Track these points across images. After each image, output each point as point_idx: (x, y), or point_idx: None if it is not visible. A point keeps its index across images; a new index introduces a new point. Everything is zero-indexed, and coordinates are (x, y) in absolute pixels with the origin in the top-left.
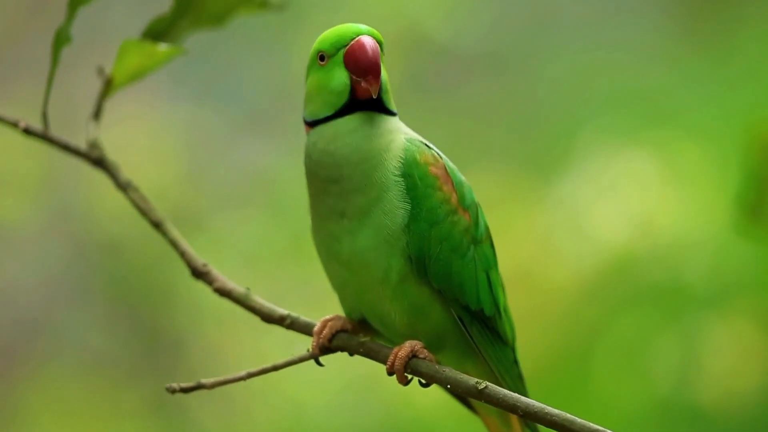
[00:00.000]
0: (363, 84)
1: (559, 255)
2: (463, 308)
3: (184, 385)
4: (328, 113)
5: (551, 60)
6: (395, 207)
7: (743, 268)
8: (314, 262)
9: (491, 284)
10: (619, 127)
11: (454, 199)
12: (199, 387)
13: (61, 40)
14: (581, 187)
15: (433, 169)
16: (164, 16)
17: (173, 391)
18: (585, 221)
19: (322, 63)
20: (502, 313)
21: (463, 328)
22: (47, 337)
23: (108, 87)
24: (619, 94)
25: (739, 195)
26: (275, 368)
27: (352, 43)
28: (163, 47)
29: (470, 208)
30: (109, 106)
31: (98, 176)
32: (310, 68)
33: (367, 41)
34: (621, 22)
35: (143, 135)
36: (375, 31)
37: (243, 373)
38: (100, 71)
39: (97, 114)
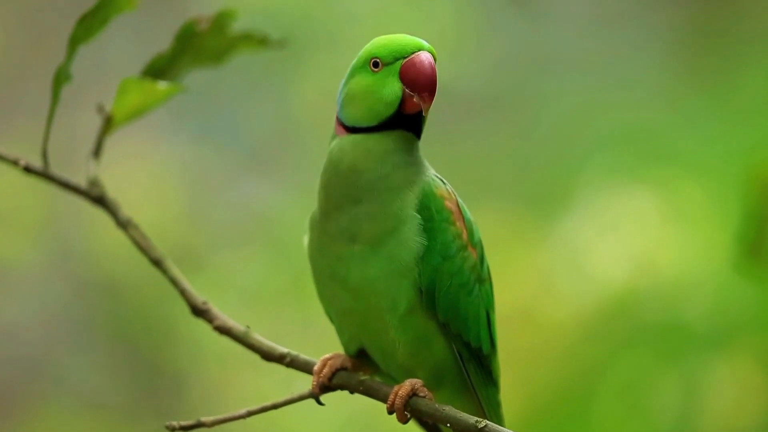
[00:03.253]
0: (415, 99)
1: (560, 293)
2: (464, 344)
3: (183, 423)
4: (372, 123)
5: (552, 99)
6: (411, 240)
7: (744, 307)
8: (314, 302)
9: (490, 324)
10: (620, 165)
11: (465, 235)
12: (198, 425)
13: (61, 78)
14: (582, 225)
15: (448, 204)
16: (164, 54)
17: (173, 429)
18: (586, 260)
19: (375, 69)
20: (497, 354)
21: (461, 365)
22: (47, 376)
23: (108, 125)
24: (620, 133)
25: (740, 234)
26: (275, 406)
27: (413, 56)
28: (162, 85)
29: (477, 246)
30: (109, 144)
31: (98, 216)
32: (357, 70)
33: (429, 57)
34: (622, 61)
35: (143, 174)
36: (432, 48)
37: (243, 411)
38: (100, 109)
39: (97, 152)
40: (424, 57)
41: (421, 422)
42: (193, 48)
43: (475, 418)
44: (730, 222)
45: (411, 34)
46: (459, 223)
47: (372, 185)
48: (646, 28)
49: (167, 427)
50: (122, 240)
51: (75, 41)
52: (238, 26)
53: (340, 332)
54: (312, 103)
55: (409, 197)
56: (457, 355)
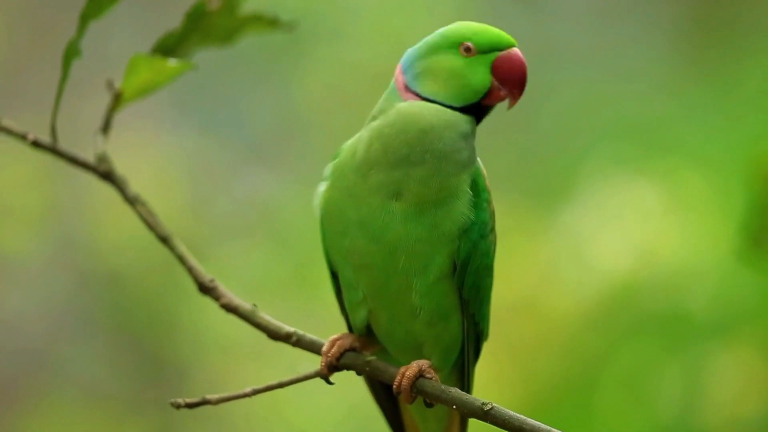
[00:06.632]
0: (503, 93)
1: (563, 284)
2: (474, 325)
3: (189, 400)
4: (454, 104)
5: (554, 91)
6: (461, 214)
7: (746, 297)
8: (317, 293)
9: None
10: (623, 156)
11: (493, 219)
12: (204, 402)
13: (71, 53)
14: (584, 216)
15: (488, 185)
16: (173, 32)
17: (178, 407)
18: (588, 250)
19: (467, 54)
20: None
21: (466, 344)
22: (50, 367)
23: (117, 101)
24: (623, 124)
25: (743, 224)
26: (281, 385)
27: (510, 51)
28: (172, 62)
29: (496, 233)
30: (112, 135)
31: (101, 207)
32: (441, 48)
33: (521, 55)
34: (624, 53)
35: (147, 165)
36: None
37: (248, 389)
38: (110, 85)
39: (105, 128)
40: (519, 54)
41: (386, 415)
42: (203, 27)
43: (482, 401)
44: (732, 212)
45: (413, 28)
46: (492, 206)
47: (439, 154)
48: (648, 20)
49: (173, 404)
50: (125, 231)
51: (86, 16)
52: (246, 9)
53: (352, 290)
54: (315, 96)
55: (465, 174)
56: (465, 334)
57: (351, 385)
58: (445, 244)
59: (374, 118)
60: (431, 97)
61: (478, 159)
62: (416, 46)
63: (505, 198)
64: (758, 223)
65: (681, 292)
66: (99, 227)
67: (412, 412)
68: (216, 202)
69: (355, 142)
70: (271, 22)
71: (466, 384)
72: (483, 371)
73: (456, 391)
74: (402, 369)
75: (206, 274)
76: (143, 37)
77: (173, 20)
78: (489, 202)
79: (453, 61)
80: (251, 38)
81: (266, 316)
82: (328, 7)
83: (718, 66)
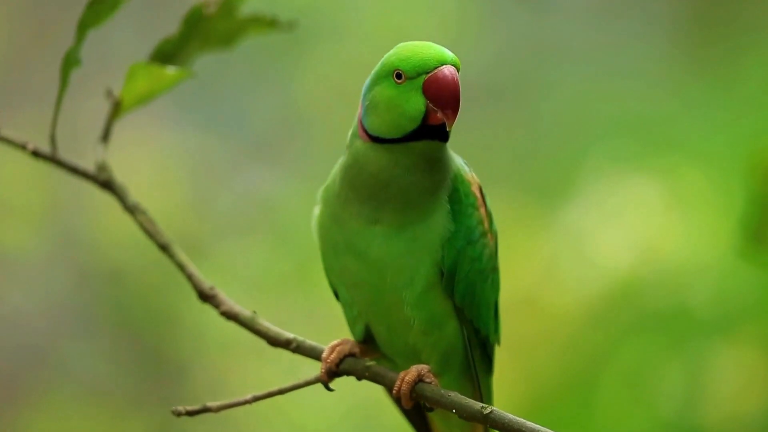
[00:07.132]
0: (439, 115)
1: (564, 281)
2: (474, 331)
3: (189, 408)
4: (396, 136)
5: (554, 88)
6: (440, 226)
7: (747, 293)
8: (318, 290)
9: (497, 313)
10: (623, 153)
11: (486, 223)
12: (204, 410)
13: (70, 62)
14: (585, 213)
15: (474, 189)
16: (172, 38)
17: (179, 414)
18: (589, 247)
19: (398, 81)
20: (497, 344)
21: (468, 351)
22: (51, 365)
23: (116, 110)
24: (623, 121)
25: (743, 221)
26: (281, 392)
27: (436, 72)
28: (171, 70)
29: (495, 234)
30: (114, 132)
31: (102, 204)
32: (381, 78)
33: (452, 71)
34: (625, 50)
35: (147, 162)
36: (456, 59)
37: (249, 396)
38: (109, 94)
39: (105, 137)
40: (448, 72)
41: (411, 419)
42: (202, 32)
43: (481, 404)
44: (733, 208)
45: (413, 25)
46: (482, 210)
47: (400, 191)
48: (648, 17)
49: (173, 412)
50: (126, 228)
51: (84, 25)
52: (244, 11)
53: (348, 307)
54: (316, 93)
55: (442, 195)
56: (466, 340)
57: (352, 384)
58: (428, 255)
59: (347, 147)
60: (376, 135)
61: (462, 163)
62: (371, 73)
63: (506, 195)
64: (759, 219)
65: (682, 288)
66: (100, 224)
67: (433, 417)
68: (217, 199)
69: (337, 169)
70: (271, 23)
71: (478, 392)
72: None
73: (455, 395)
74: (401, 374)
75: (206, 282)
76: (141, 38)
77: (171, 21)
78: (476, 207)
79: (388, 90)
80: (251, 38)
81: (266, 323)
82: (328, 4)
83: (718, 63)
